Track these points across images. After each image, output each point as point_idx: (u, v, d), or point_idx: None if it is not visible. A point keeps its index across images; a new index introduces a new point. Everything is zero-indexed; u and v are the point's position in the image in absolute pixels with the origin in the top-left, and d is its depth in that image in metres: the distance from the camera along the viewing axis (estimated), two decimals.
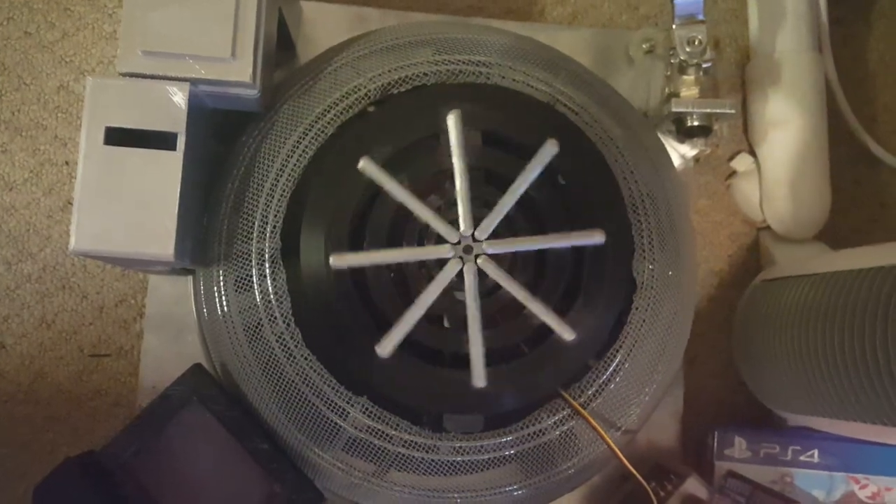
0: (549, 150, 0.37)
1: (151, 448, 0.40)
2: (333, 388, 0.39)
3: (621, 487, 0.49)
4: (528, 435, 0.40)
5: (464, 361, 0.38)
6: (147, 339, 0.48)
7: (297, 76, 0.43)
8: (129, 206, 0.38)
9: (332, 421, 0.40)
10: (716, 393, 0.52)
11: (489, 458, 0.41)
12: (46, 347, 0.49)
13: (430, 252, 0.37)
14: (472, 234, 0.37)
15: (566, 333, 0.38)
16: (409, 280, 0.40)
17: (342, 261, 0.37)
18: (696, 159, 0.51)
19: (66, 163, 0.50)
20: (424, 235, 0.39)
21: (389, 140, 0.40)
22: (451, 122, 0.37)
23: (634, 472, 0.41)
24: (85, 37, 0.51)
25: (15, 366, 0.49)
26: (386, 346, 0.37)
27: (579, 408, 0.38)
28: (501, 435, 0.40)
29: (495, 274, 0.37)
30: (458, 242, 0.37)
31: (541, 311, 0.36)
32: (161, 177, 0.38)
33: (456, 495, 0.43)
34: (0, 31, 0.50)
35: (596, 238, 0.37)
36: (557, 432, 0.41)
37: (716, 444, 0.46)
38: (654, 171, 0.42)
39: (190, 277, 0.47)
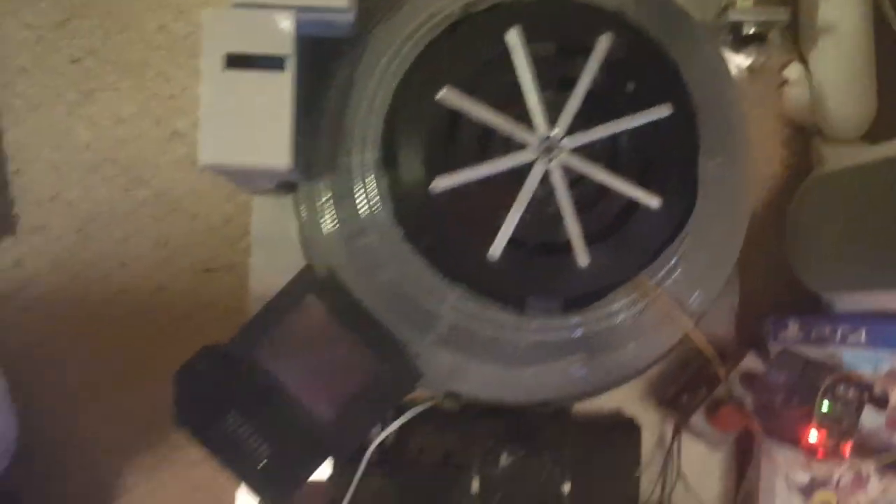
0: (604, 43, 0.41)
1: (272, 337, 0.46)
2: (433, 279, 0.44)
3: (680, 377, 0.54)
4: (602, 316, 0.45)
5: (545, 250, 0.42)
6: (254, 253, 0.54)
7: (385, 2, 0.47)
8: (248, 123, 0.43)
9: (431, 309, 0.45)
10: (767, 292, 0.56)
11: (564, 339, 0.46)
12: (163, 264, 0.54)
13: (516, 158, 0.41)
14: (551, 136, 0.41)
15: (653, 202, 0.42)
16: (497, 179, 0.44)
17: (442, 183, 0.42)
18: (751, 69, 0.54)
19: (171, 96, 0.55)
20: (511, 145, 0.43)
21: (470, 58, 0.44)
22: (512, 37, 0.41)
23: (705, 344, 0.46)
24: None
25: (136, 282, 0.54)
26: (496, 248, 0.42)
27: (655, 288, 0.43)
28: (576, 315, 0.45)
29: (578, 165, 0.42)
30: (542, 142, 0.41)
31: (627, 188, 0.41)
32: (274, 95, 0.43)
33: (529, 370, 0.48)
34: None
35: (664, 111, 0.41)
36: (628, 315, 0.46)
37: (771, 328, 0.51)
38: (714, 77, 0.46)
39: (290, 196, 0.53)
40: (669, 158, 0.43)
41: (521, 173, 0.42)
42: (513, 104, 0.43)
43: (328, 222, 0.48)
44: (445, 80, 0.42)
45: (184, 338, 0.54)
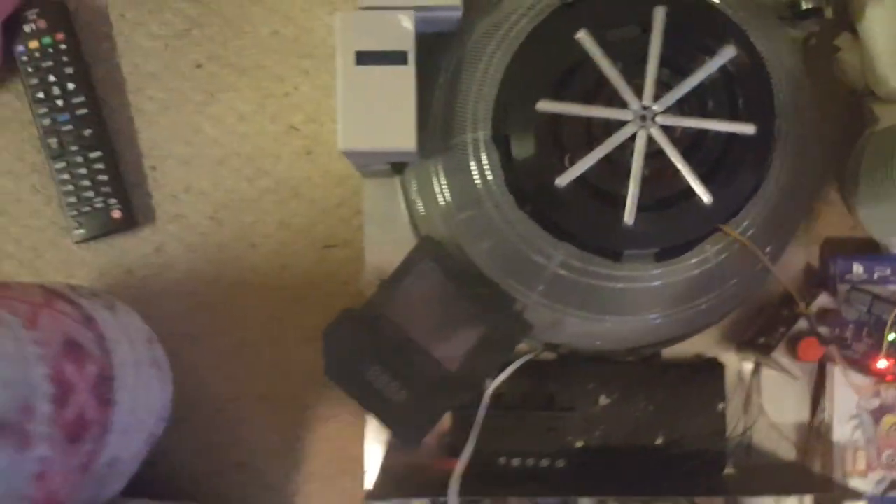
0: (727, 52, 0.47)
1: (400, 299, 0.53)
2: (542, 238, 0.50)
3: (757, 319, 0.60)
4: (691, 265, 0.51)
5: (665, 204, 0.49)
6: (367, 229, 0.60)
7: None
8: (378, 112, 0.49)
9: (539, 264, 0.51)
10: (830, 242, 0.62)
11: (651, 288, 0.52)
12: (286, 244, 0.61)
13: (616, 113, 0.47)
14: (651, 107, 0.47)
15: (706, 197, 0.48)
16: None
17: (564, 178, 0.48)
18: (805, 41, 0.60)
19: (285, 94, 0.61)
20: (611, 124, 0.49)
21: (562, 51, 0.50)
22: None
23: (788, 284, 0.52)
24: None
25: (264, 260, 0.61)
26: (565, 178, 0.48)
27: (738, 236, 0.49)
28: (668, 265, 0.51)
29: (661, 140, 0.48)
30: (645, 111, 0.47)
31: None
32: (400, 87, 0.49)
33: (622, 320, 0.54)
34: None
35: (747, 129, 0.47)
36: (714, 262, 0.52)
37: (837, 270, 0.57)
38: (782, 52, 0.52)
39: (396, 177, 0.59)
40: (748, 100, 0.48)
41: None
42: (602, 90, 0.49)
43: (439, 196, 0.54)
44: (546, 72, 0.48)
45: (311, 306, 0.60)
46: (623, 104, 0.47)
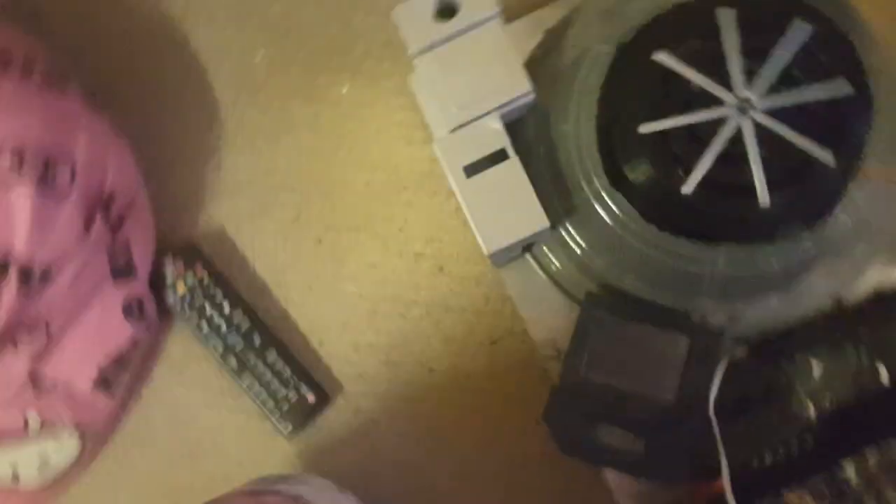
0: (802, 28, 0.51)
1: (590, 358, 0.55)
2: (695, 248, 0.53)
3: None
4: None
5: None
6: (522, 312, 0.64)
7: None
8: (505, 208, 0.53)
9: (696, 273, 0.54)
10: None
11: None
12: (458, 354, 0.65)
13: (715, 112, 0.50)
14: (746, 98, 0.50)
15: (828, 158, 0.50)
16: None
17: (649, 126, 0.51)
18: None
19: (400, 230, 0.66)
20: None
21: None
22: (726, 16, 0.51)
23: None
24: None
25: (443, 378, 0.65)
26: (689, 185, 0.51)
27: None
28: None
29: (767, 122, 0.50)
30: (745, 102, 0.50)
31: (806, 144, 0.50)
32: (512, 178, 0.53)
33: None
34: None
35: (845, 89, 0.50)
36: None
37: None
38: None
39: (526, 255, 0.63)
40: (834, 64, 0.51)
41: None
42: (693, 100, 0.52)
43: (577, 249, 0.58)
44: (636, 103, 0.52)
45: (509, 401, 0.63)
46: (718, 102, 0.50)
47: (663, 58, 0.51)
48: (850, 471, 0.54)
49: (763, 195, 0.50)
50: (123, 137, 0.62)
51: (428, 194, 0.66)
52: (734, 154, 0.51)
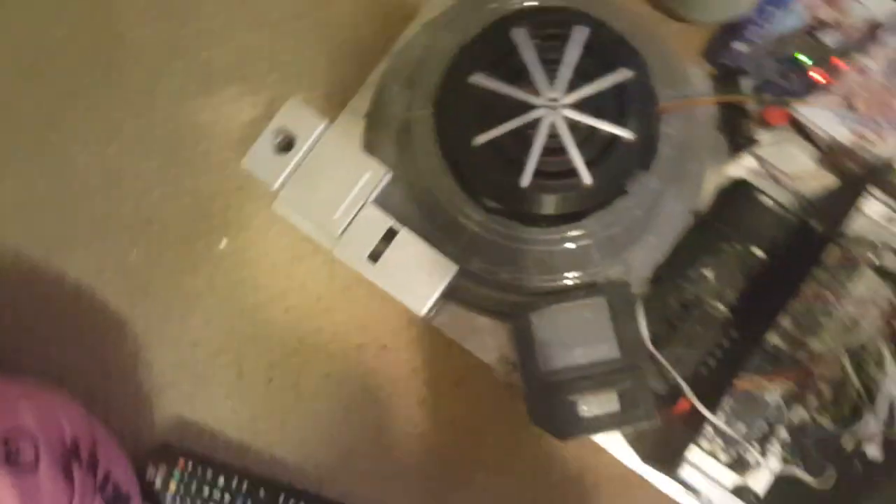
0: (582, 31, 0.61)
1: (539, 350, 0.63)
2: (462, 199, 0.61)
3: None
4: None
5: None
6: (467, 347, 0.71)
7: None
8: (416, 271, 0.60)
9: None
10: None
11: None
12: (435, 408, 0.71)
13: (531, 98, 0.59)
14: (553, 98, 0.60)
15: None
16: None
17: (480, 139, 0.60)
18: None
19: (359, 346, 0.72)
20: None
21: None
22: (579, 33, 0.61)
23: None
24: None
25: (435, 436, 0.71)
26: (525, 178, 0.59)
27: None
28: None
29: (576, 115, 0.60)
30: (554, 101, 0.60)
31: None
32: (409, 245, 0.61)
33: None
34: None
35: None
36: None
37: (729, 58, 0.70)
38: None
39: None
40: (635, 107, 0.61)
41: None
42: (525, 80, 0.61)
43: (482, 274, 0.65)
44: (466, 124, 0.61)
45: (490, 423, 0.70)
46: (532, 106, 0.60)
47: (477, 79, 0.60)
48: (774, 339, 0.64)
49: (585, 175, 0.59)
50: (57, 388, 0.65)
51: (340, 291, 0.72)
52: (556, 146, 0.60)
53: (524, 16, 0.63)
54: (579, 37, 0.61)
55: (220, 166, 0.75)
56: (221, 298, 0.72)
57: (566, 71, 0.60)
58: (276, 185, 0.61)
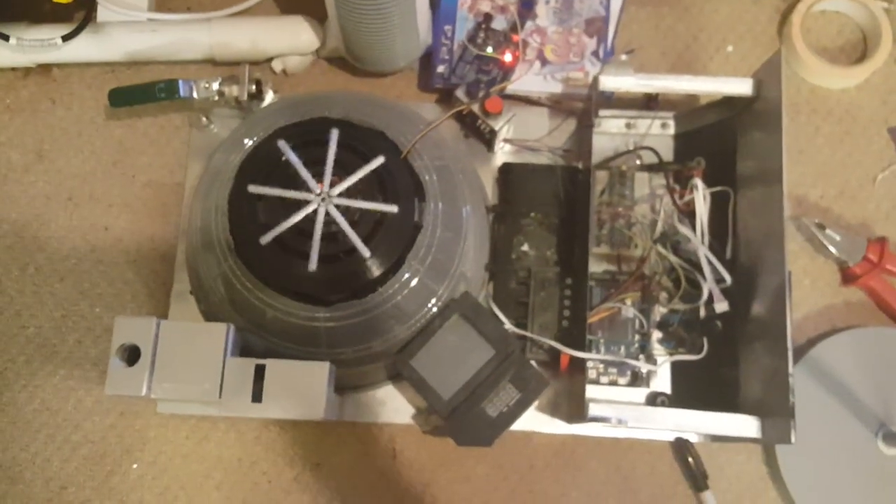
0: (334, 133, 0.68)
1: (434, 385, 0.70)
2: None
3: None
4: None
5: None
6: (378, 421, 0.77)
7: None
8: (298, 387, 0.66)
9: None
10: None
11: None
12: (387, 488, 0.76)
13: (304, 195, 0.66)
14: (322, 191, 0.67)
15: (395, 209, 0.67)
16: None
17: (266, 238, 0.66)
18: None
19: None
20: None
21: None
22: (333, 135, 0.68)
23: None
24: None
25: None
26: (266, 238, 0.65)
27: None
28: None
29: (335, 214, 0.67)
30: (320, 194, 0.67)
31: (353, 238, 0.65)
32: (281, 370, 0.67)
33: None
34: None
35: (393, 209, 0.67)
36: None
37: (433, 80, 0.80)
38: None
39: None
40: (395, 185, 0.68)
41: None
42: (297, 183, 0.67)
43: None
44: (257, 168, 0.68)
45: (440, 467, 0.76)
46: (306, 201, 0.67)
47: (254, 189, 0.67)
48: (601, 266, 0.74)
49: (363, 250, 0.66)
50: None
51: (253, 442, 0.77)
52: (337, 231, 0.67)
53: (286, 130, 0.71)
54: (333, 138, 0.69)
55: (95, 406, 0.78)
56: None
57: (329, 167, 0.68)
58: (143, 392, 0.66)
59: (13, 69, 0.87)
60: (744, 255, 0.73)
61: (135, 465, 0.77)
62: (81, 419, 0.78)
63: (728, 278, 0.70)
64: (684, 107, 0.81)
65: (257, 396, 0.66)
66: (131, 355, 0.67)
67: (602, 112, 0.78)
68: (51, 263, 0.82)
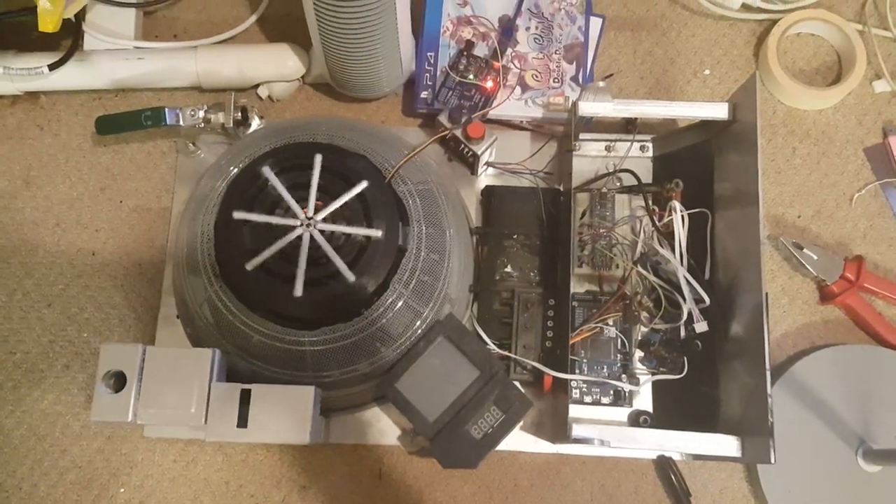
0: (318, 158, 0.68)
1: (420, 408, 0.71)
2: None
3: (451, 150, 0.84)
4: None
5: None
6: (365, 442, 0.77)
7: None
8: (282, 409, 0.67)
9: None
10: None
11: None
12: None
13: (289, 220, 0.66)
14: (313, 217, 0.68)
15: (349, 276, 0.67)
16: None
17: (252, 263, 0.65)
18: None
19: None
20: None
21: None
22: (317, 160, 0.68)
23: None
24: None
25: None
26: (252, 263, 0.65)
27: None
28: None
29: (319, 239, 0.67)
30: (305, 219, 0.68)
31: (338, 262, 0.65)
32: (265, 394, 0.67)
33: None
34: None
35: (377, 233, 0.67)
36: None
37: (417, 105, 0.82)
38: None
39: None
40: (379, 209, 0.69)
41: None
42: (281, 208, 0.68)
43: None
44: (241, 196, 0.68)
45: (427, 488, 0.77)
46: (290, 227, 0.67)
47: (266, 170, 0.67)
48: (581, 287, 0.75)
49: (348, 274, 0.66)
50: None
51: (241, 465, 0.77)
52: (321, 255, 0.67)
53: (270, 155, 0.71)
54: (317, 163, 0.69)
55: (82, 431, 0.79)
56: None
57: (313, 192, 0.68)
58: (129, 418, 0.67)
59: (1, 97, 0.87)
60: (722, 275, 0.74)
61: (122, 490, 0.77)
62: (69, 444, 0.78)
63: (707, 299, 0.71)
64: (662, 129, 0.83)
65: (243, 421, 0.67)
66: (117, 382, 0.68)
67: (582, 135, 0.80)
68: (38, 289, 0.83)
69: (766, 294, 0.66)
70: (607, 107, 0.73)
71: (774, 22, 0.88)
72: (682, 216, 0.74)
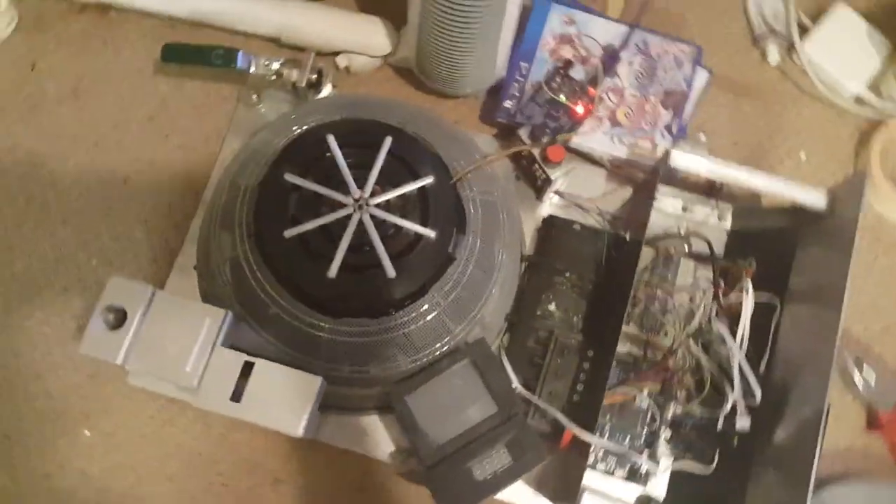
0: (387, 141, 0.64)
1: (425, 429, 0.65)
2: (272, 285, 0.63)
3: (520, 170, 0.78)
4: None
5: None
6: (354, 449, 0.71)
7: None
8: (279, 395, 0.61)
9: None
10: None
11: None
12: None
13: (342, 196, 0.62)
14: (360, 197, 0.63)
15: (432, 234, 0.63)
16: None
17: (291, 232, 0.61)
18: None
19: None
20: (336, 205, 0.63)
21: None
22: (386, 142, 0.64)
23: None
24: None
25: None
26: (291, 231, 0.61)
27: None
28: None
29: (368, 223, 0.62)
30: (358, 200, 0.63)
31: (381, 254, 0.61)
32: (266, 371, 0.62)
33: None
34: None
35: (431, 234, 0.63)
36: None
37: (501, 114, 0.77)
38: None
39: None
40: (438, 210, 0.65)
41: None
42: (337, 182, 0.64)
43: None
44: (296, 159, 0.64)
45: None
46: (342, 205, 0.63)
47: (291, 178, 0.63)
48: (625, 348, 0.69)
49: (389, 269, 0.61)
50: None
51: (219, 440, 0.72)
52: (365, 242, 0.62)
53: (337, 125, 0.67)
54: (385, 145, 0.65)
55: (64, 361, 0.73)
56: (99, 488, 0.70)
57: (374, 174, 0.64)
58: (120, 359, 0.62)
59: (71, 1, 0.83)
60: (779, 374, 0.68)
61: (87, 433, 0.72)
62: (46, 370, 0.73)
63: (758, 395, 0.65)
64: (743, 202, 0.77)
65: (237, 395, 0.62)
66: (116, 318, 0.63)
67: (661, 187, 0.74)
68: (58, 202, 0.78)
69: (829, 406, 0.60)
70: (702, 162, 0.68)
71: (884, 122, 0.82)
72: (751, 299, 0.68)
